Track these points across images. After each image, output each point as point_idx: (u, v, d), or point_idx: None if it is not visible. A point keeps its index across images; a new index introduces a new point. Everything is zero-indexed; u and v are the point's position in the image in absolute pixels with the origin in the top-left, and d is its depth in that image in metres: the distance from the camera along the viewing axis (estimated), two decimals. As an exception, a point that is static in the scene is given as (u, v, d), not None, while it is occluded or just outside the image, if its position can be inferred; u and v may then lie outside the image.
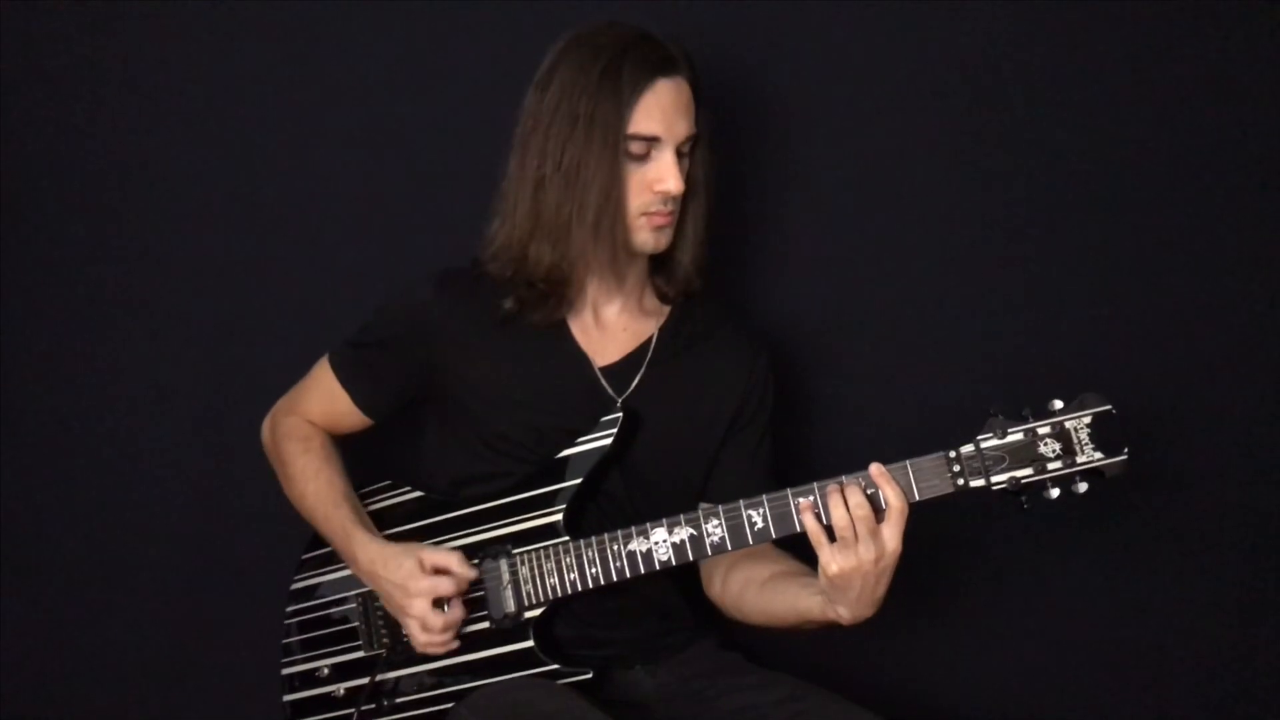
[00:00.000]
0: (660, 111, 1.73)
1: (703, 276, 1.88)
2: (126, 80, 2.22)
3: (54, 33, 2.22)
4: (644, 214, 1.77)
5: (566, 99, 1.73)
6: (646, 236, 1.79)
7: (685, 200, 1.82)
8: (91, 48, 2.22)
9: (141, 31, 2.22)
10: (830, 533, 1.63)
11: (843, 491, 1.62)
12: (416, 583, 1.77)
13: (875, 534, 1.60)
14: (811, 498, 1.66)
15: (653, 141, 1.74)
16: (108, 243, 2.25)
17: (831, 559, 1.61)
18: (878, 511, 1.62)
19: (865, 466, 1.65)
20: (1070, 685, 2.13)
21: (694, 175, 1.81)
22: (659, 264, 1.88)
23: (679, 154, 1.77)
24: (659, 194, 1.75)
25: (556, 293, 1.81)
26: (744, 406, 1.90)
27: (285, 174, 2.22)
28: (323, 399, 1.92)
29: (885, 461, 1.65)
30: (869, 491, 1.62)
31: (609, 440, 1.79)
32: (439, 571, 1.79)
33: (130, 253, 2.25)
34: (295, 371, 1.97)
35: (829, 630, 1.72)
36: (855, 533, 1.60)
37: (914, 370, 2.14)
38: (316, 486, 1.89)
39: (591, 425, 1.81)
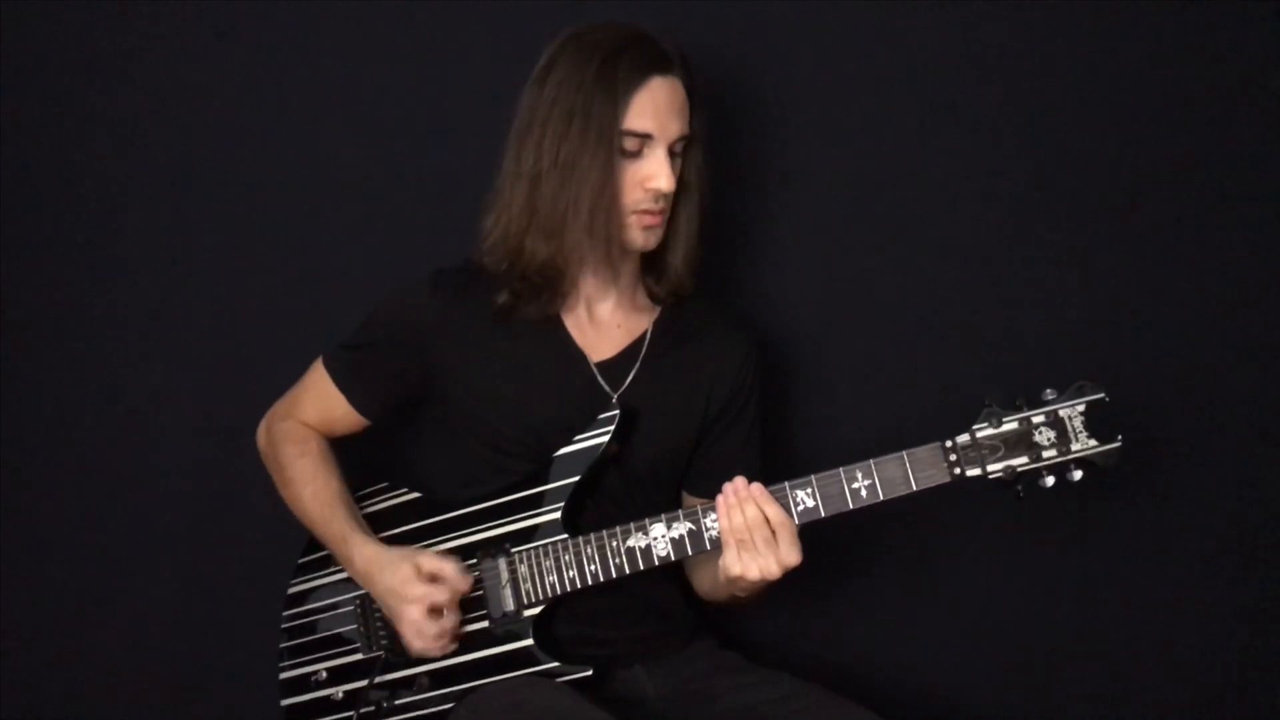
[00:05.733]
0: (654, 109, 1.75)
1: (694, 278, 1.89)
2: (127, 80, 2.22)
3: (54, 32, 2.22)
4: (635, 212, 1.78)
5: (563, 95, 1.75)
6: (636, 235, 1.80)
7: (677, 201, 1.83)
8: (92, 47, 2.22)
9: (141, 31, 2.21)
10: None
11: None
12: (412, 589, 1.77)
13: (771, 544, 1.66)
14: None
15: (645, 139, 1.76)
16: (106, 243, 2.24)
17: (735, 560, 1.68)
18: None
19: (859, 459, 1.67)
20: (1069, 679, 2.13)
21: (687, 176, 1.82)
22: (650, 264, 1.89)
23: (671, 153, 1.78)
24: (650, 191, 1.77)
25: (551, 286, 1.81)
26: (734, 398, 1.91)
27: (283, 175, 2.22)
28: (318, 401, 1.93)
29: (880, 453, 1.67)
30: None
31: (606, 438, 1.79)
32: (435, 578, 1.78)
33: (129, 253, 2.24)
34: (293, 373, 1.97)
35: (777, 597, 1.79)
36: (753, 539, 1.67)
37: (907, 363, 2.14)
38: (314, 489, 1.89)
39: (588, 421, 1.81)
